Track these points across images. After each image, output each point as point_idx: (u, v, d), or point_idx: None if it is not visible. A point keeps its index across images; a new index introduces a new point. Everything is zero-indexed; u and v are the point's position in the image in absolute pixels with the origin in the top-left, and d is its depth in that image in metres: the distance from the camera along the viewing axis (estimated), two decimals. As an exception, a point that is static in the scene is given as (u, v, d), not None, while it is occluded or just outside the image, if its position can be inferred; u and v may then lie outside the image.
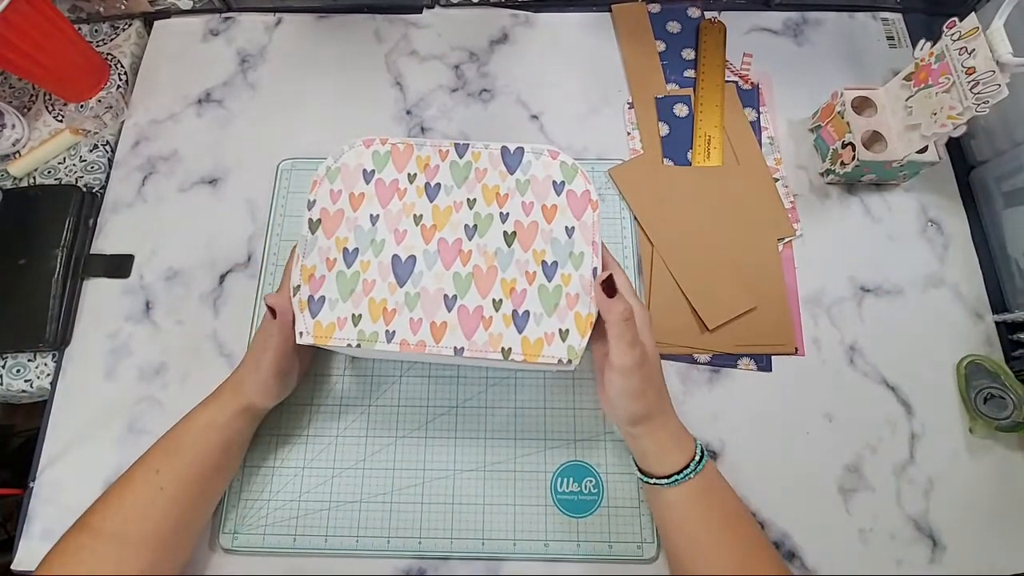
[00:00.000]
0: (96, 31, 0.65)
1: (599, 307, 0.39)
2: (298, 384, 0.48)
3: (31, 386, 0.52)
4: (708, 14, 0.63)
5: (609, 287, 0.39)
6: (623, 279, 0.42)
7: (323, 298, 0.41)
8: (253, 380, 0.43)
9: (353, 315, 0.40)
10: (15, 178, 0.59)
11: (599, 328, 0.40)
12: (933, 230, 0.56)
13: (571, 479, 0.48)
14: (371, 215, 0.43)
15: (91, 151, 0.59)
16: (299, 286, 0.41)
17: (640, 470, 0.43)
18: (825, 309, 0.53)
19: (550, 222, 0.42)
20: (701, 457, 0.41)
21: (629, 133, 0.59)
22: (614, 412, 0.42)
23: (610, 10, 0.64)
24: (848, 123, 0.53)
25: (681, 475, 0.40)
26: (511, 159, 0.44)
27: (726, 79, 0.60)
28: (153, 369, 0.52)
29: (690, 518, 0.41)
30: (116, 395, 0.51)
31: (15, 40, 0.52)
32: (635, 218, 0.56)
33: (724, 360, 0.52)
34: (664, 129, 0.59)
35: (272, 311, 0.41)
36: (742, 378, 0.51)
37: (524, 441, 0.49)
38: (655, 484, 0.41)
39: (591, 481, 0.48)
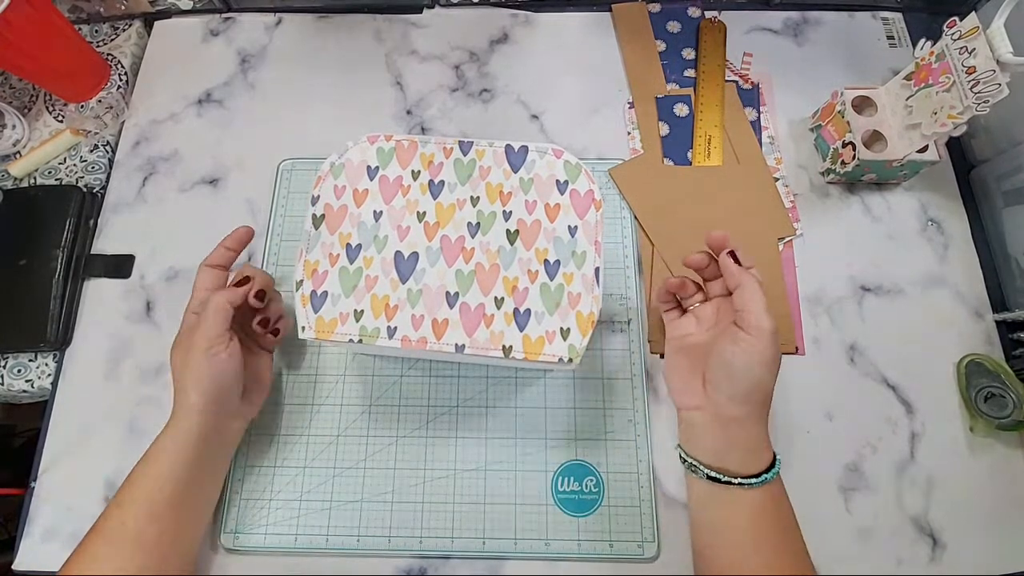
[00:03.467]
0: (96, 31, 0.65)
1: (726, 272, 0.40)
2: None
3: (32, 386, 0.52)
4: (708, 14, 0.64)
5: (735, 258, 0.39)
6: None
7: (325, 293, 0.41)
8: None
9: (355, 311, 0.40)
10: (16, 178, 0.59)
11: (656, 320, 0.39)
12: (933, 229, 0.56)
13: (572, 478, 0.48)
14: (374, 211, 0.43)
15: (91, 151, 0.59)
16: (302, 281, 0.41)
17: (709, 467, 0.40)
18: (825, 308, 0.53)
19: (553, 221, 0.42)
20: (776, 461, 0.39)
21: (629, 133, 0.59)
22: (730, 383, 0.38)
23: (610, 10, 0.64)
24: (848, 122, 0.53)
25: (763, 476, 0.38)
26: (515, 157, 0.44)
27: (726, 79, 0.60)
28: (154, 369, 0.52)
29: (752, 522, 0.38)
30: (117, 395, 0.51)
31: (15, 40, 0.53)
32: (635, 218, 0.56)
33: (725, 359, 0.52)
34: (664, 129, 0.59)
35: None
36: (743, 377, 0.51)
37: (525, 440, 0.49)
38: (737, 484, 0.38)
39: (592, 480, 0.48)
